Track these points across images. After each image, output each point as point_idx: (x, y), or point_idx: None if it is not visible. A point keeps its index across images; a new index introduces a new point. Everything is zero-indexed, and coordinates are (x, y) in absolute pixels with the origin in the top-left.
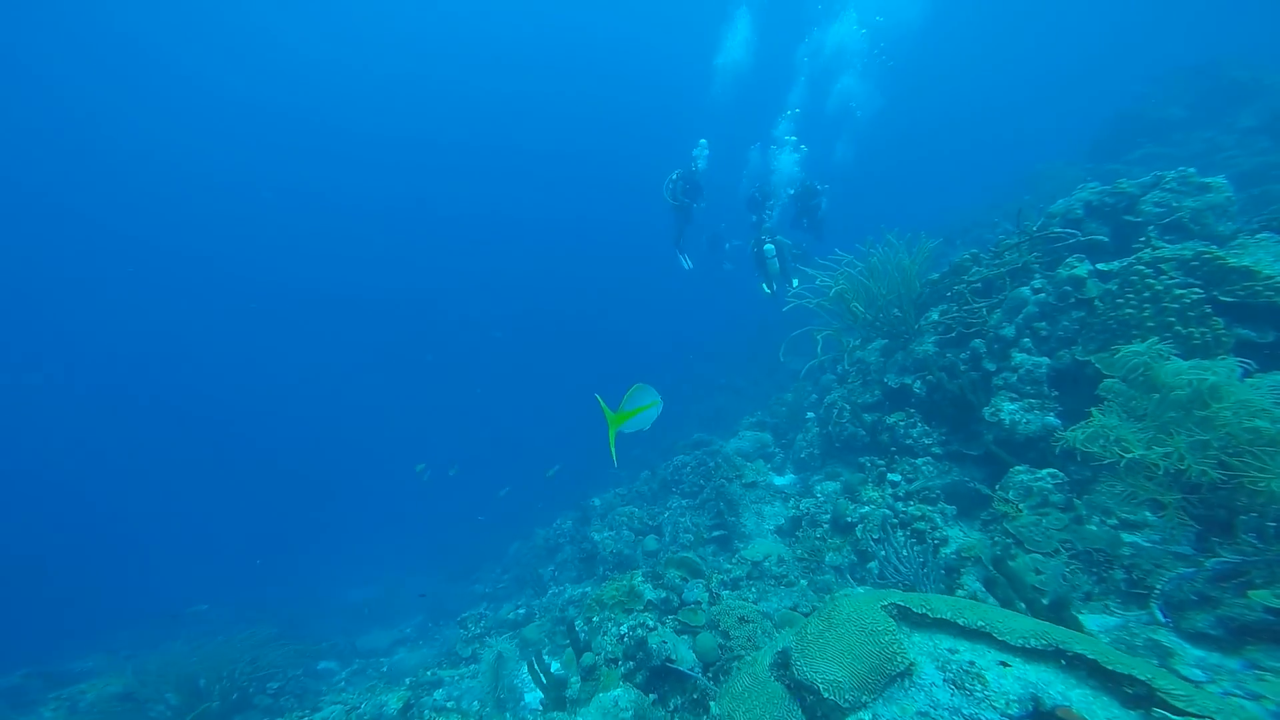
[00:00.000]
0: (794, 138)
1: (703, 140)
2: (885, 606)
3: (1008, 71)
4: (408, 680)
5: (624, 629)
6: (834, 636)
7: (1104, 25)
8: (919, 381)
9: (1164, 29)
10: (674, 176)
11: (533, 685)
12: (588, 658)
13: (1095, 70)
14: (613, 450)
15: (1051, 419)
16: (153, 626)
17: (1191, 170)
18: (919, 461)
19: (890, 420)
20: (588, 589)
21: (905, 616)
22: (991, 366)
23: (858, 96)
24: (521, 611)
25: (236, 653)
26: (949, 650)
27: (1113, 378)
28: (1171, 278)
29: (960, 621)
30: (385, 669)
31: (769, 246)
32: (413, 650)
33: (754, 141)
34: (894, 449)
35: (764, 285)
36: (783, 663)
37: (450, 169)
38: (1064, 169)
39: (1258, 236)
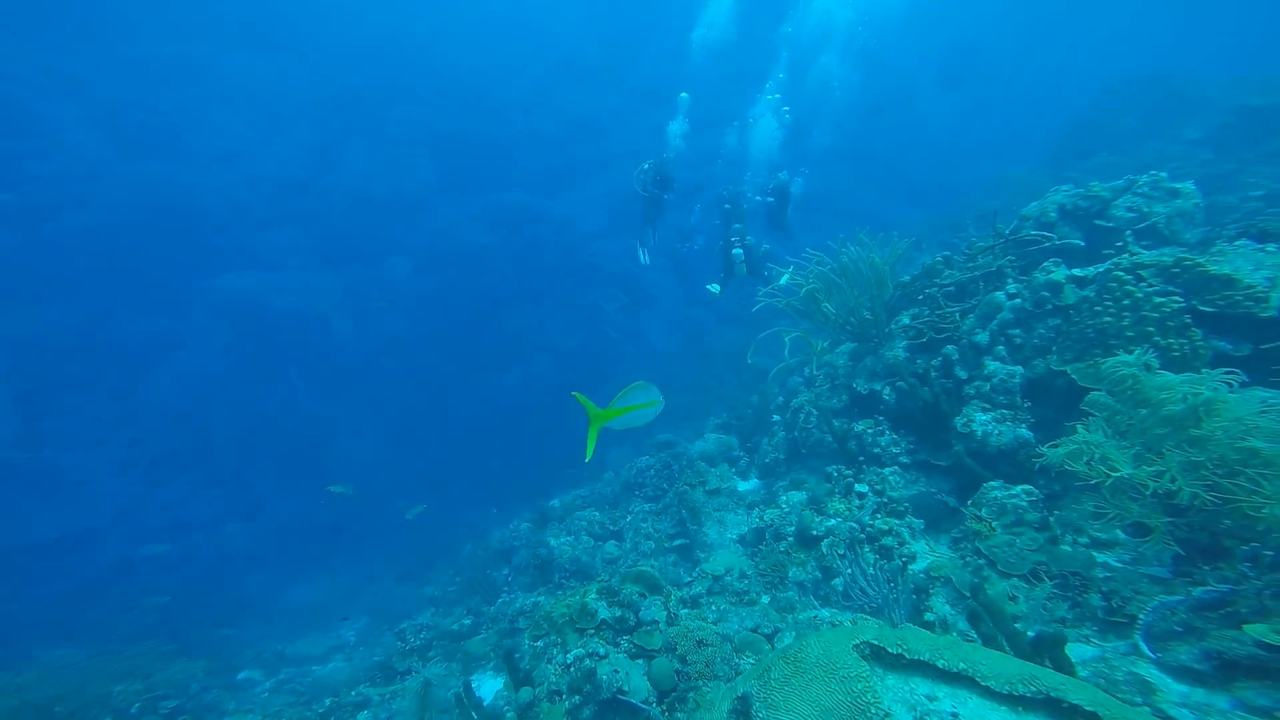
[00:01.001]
0: (777, 95)
1: (684, 94)
2: (857, 646)
3: (966, 77)
4: (328, 701)
5: (571, 657)
6: (800, 684)
7: (1062, 33)
8: (888, 388)
9: (1118, 39)
10: (644, 166)
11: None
12: (526, 693)
13: (1053, 78)
14: (590, 448)
15: (1024, 431)
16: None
17: (1164, 175)
18: (886, 471)
19: (859, 428)
20: (541, 598)
21: (879, 656)
22: (964, 374)
23: (837, 76)
24: (467, 622)
25: (133, 665)
26: (927, 697)
27: (1097, 390)
28: (1151, 285)
29: (939, 664)
30: (311, 681)
31: (738, 251)
32: (350, 658)
33: (732, 120)
34: (861, 457)
35: (710, 285)
36: (743, 709)
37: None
38: (1027, 175)
39: (1235, 244)
